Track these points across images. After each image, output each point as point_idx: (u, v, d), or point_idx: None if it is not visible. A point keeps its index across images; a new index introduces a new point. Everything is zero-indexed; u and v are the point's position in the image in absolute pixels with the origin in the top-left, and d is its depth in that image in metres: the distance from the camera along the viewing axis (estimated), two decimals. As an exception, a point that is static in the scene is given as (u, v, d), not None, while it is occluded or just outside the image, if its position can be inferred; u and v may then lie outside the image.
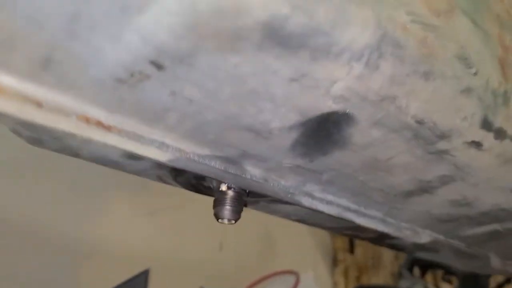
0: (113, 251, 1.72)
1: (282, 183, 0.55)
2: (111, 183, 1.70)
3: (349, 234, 0.87)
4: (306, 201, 0.58)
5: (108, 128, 0.42)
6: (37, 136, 0.45)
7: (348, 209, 0.63)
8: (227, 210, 0.57)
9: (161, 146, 0.46)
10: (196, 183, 0.59)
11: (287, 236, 2.12)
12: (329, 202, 0.60)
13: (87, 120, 0.41)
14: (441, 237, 0.74)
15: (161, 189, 1.83)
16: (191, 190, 0.63)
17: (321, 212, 0.59)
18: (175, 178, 0.59)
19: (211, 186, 0.59)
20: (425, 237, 0.73)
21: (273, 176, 0.54)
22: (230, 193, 0.57)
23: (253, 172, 0.53)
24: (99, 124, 0.41)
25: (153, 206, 1.82)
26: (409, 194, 0.61)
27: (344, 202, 0.62)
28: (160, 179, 0.61)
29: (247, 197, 0.59)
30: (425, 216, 0.68)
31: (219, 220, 0.58)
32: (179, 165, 0.48)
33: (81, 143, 0.45)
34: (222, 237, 2.06)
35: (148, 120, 0.42)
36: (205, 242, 1.95)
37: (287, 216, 0.76)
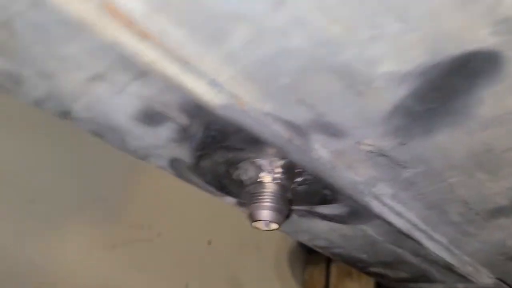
0: (67, 286, 1.48)
1: (351, 175, 0.40)
2: (71, 207, 1.49)
3: (375, 272, 0.71)
4: (376, 206, 0.43)
5: (143, 34, 0.26)
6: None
7: (416, 226, 0.48)
8: (268, 208, 0.41)
9: (213, 84, 0.30)
10: (225, 171, 0.43)
11: (255, 280, 1.93)
12: (398, 214, 0.45)
13: (114, 12, 0.25)
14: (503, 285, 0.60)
15: (127, 220, 1.63)
16: (211, 185, 0.46)
17: (368, 234, 0.44)
18: (197, 162, 0.42)
19: (243, 178, 0.43)
20: (485, 278, 0.58)
21: (342, 164, 0.39)
22: (273, 186, 0.41)
23: (321, 153, 0.37)
24: (130, 24, 0.26)
25: (116, 238, 1.61)
26: (496, 212, 0.46)
27: (412, 216, 0.47)
28: (173, 166, 0.45)
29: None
30: (496, 249, 0.53)
31: (254, 224, 0.42)
32: (230, 116, 0.33)
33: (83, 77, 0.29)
34: (188, 278, 1.84)
35: (206, 35, 0.27)
36: (171, 283, 1.73)
37: (314, 238, 0.60)
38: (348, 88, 0.31)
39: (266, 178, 0.41)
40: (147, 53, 0.27)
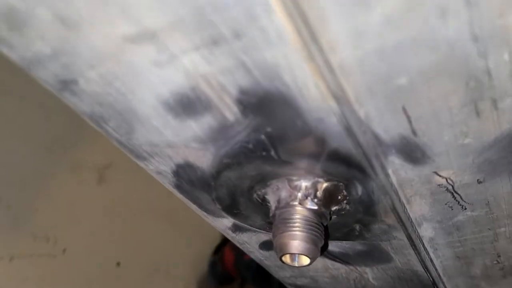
0: None
1: (407, 209, 0.34)
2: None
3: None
4: (420, 249, 0.36)
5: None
6: None
7: (439, 276, 0.42)
8: (304, 239, 0.33)
9: (327, 68, 0.23)
10: (248, 188, 0.35)
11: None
12: (431, 260, 0.40)
13: None
14: None
15: (31, 230, 1.43)
16: (219, 202, 0.38)
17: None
18: (218, 172, 0.34)
19: (270, 199, 0.35)
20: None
21: (403, 196, 0.33)
22: (310, 213, 0.34)
23: (391, 179, 0.31)
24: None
25: (16, 249, 1.40)
26: (521, 269, 0.43)
27: (438, 264, 0.41)
28: (177, 173, 0.36)
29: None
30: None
31: (284, 259, 0.34)
32: (316, 117, 0.25)
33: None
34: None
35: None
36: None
37: (298, 276, 0.53)
38: (469, 104, 0.25)
39: (303, 202, 0.33)
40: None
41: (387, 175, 0.30)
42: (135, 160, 0.36)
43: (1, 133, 1.30)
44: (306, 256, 0.33)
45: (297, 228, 0.33)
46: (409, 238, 0.37)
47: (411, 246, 0.38)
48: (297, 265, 0.34)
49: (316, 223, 0.33)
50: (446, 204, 0.34)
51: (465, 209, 0.34)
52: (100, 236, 1.60)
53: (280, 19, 0.20)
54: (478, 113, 0.26)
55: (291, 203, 0.33)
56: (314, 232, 0.33)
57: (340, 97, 0.24)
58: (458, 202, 0.33)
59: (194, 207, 0.41)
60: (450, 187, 0.32)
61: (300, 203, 0.33)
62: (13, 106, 1.37)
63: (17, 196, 1.36)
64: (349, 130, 0.26)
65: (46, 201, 1.44)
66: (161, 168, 0.36)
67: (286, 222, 0.33)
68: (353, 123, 0.26)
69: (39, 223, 1.41)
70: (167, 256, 1.89)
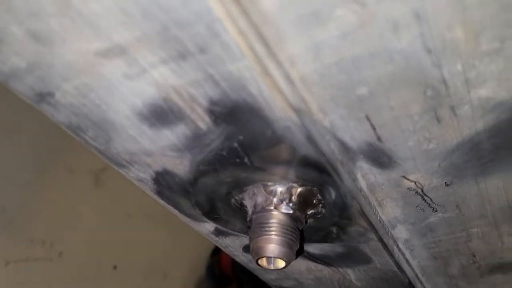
0: None
1: (379, 212, 0.35)
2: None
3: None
4: (395, 250, 0.37)
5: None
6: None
7: (417, 277, 0.43)
8: (279, 243, 0.34)
9: (287, 80, 0.24)
10: (225, 194, 0.36)
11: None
12: (407, 261, 0.41)
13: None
14: None
15: (26, 234, 1.44)
16: (199, 207, 0.39)
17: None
18: (195, 179, 0.35)
19: (247, 205, 0.36)
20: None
21: (374, 200, 0.34)
22: (285, 217, 0.35)
23: (360, 184, 0.32)
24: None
25: (11, 254, 1.41)
26: (496, 268, 0.44)
27: (415, 265, 0.42)
28: (157, 181, 0.37)
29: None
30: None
31: (260, 262, 0.35)
32: (284, 126, 0.26)
33: None
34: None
35: (302, 13, 0.21)
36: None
37: (282, 278, 0.54)
38: (429, 111, 0.26)
39: (279, 207, 0.34)
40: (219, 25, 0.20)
41: (355, 180, 0.31)
42: (115, 167, 0.37)
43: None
44: (281, 259, 0.34)
45: (273, 232, 0.34)
46: (381, 240, 0.38)
47: (384, 248, 0.39)
48: (272, 268, 0.35)
49: (291, 227, 0.34)
50: (417, 206, 0.35)
51: (436, 211, 0.35)
52: (97, 239, 1.61)
53: (234, 37, 0.21)
54: (438, 120, 0.27)
55: (266, 207, 0.34)
56: (289, 236, 0.34)
57: (300, 109, 0.25)
58: (429, 204, 0.34)
59: (176, 212, 0.42)
60: (419, 190, 0.33)
61: (275, 208, 0.34)
62: (7, 110, 1.37)
63: (12, 200, 1.37)
64: (310, 139, 0.27)
65: (41, 205, 1.45)
66: (141, 176, 0.37)
67: (262, 226, 0.34)
68: (316, 132, 0.27)
69: (35, 227, 1.42)
70: (164, 259, 1.90)
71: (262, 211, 0.35)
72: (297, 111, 0.25)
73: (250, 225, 0.35)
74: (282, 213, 0.34)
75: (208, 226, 0.43)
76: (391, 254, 0.38)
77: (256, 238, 0.34)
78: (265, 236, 0.34)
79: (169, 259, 1.91)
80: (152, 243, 1.81)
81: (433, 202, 0.34)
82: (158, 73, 0.26)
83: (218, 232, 0.45)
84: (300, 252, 0.41)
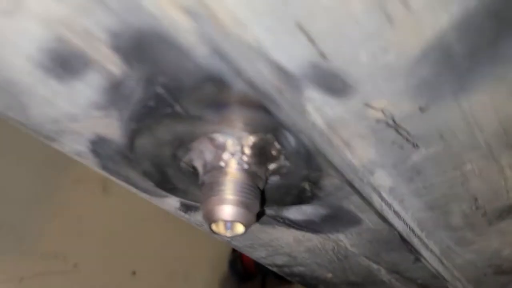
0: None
1: (347, 157, 0.29)
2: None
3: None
4: (377, 201, 0.32)
5: None
6: None
7: (413, 232, 0.38)
8: (233, 203, 0.29)
9: None
10: (171, 156, 0.31)
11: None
12: (396, 213, 0.35)
13: None
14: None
15: (38, 249, 1.41)
16: (149, 177, 0.34)
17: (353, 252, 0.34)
18: (131, 141, 0.30)
19: (196, 165, 0.31)
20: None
21: (338, 139, 0.28)
22: (239, 174, 0.30)
23: (315, 119, 0.26)
24: None
25: (25, 270, 1.39)
26: (505, 212, 0.38)
27: (408, 218, 0.37)
28: (95, 151, 0.32)
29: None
30: (489, 260, 0.45)
31: (214, 227, 0.30)
32: (197, 54, 0.21)
33: None
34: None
35: None
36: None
37: (273, 255, 0.49)
38: (375, 9, 0.21)
39: (231, 162, 0.29)
40: None
41: (305, 115, 0.26)
42: (47, 142, 0.32)
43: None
44: (238, 222, 0.29)
45: (226, 192, 0.29)
46: (357, 191, 0.32)
47: (362, 199, 0.33)
48: (230, 235, 0.30)
49: (248, 185, 0.29)
50: (393, 143, 0.29)
51: (417, 146, 0.30)
52: (112, 246, 1.58)
53: None
54: (390, 20, 0.22)
55: (217, 165, 0.29)
56: (246, 195, 0.29)
57: (202, 16, 0.20)
58: (406, 139, 0.29)
59: (133, 189, 0.38)
60: (390, 121, 0.27)
61: (227, 165, 0.29)
62: (10, 127, 1.35)
63: (21, 216, 1.34)
64: (234, 68, 0.22)
65: (51, 218, 1.43)
66: (77, 148, 0.32)
67: (213, 187, 0.29)
68: (238, 55, 0.22)
69: (46, 241, 1.40)
70: (184, 259, 1.86)
71: (212, 169, 0.30)
72: (199, 20, 0.20)
73: (202, 188, 0.30)
74: (236, 169, 0.29)
75: (172, 202, 0.39)
76: (373, 207, 0.33)
77: (207, 200, 0.29)
78: (217, 197, 0.29)
79: (189, 259, 1.88)
80: (170, 245, 1.78)
81: (411, 135, 0.29)
82: (35, 1, 0.21)
83: (185, 208, 0.40)
84: (261, 215, 0.35)
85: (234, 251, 2.02)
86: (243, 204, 0.29)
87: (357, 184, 0.31)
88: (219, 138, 0.29)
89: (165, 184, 0.34)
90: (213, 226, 0.29)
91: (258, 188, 0.30)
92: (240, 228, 0.30)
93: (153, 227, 1.69)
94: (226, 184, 0.29)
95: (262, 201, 0.32)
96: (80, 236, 1.50)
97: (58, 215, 1.45)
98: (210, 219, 0.29)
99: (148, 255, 1.71)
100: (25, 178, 1.38)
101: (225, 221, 0.29)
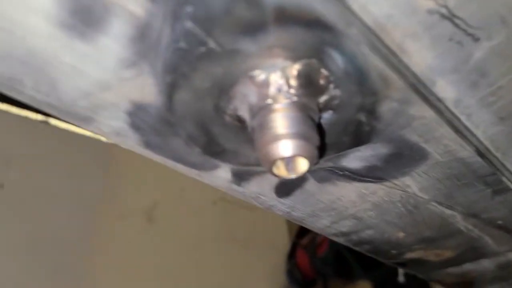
0: None
1: (405, 62, 0.27)
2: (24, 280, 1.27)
3: (413, 260, 0.57)
4: (450, 118, 0.29)
5: None
6: None
7: (488, 151, 0.34)
8: (291, 136, 0.26)
9: None
10: (213, 109, 0.29)
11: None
12: (470, 132, 0.32)
13: None
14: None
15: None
16: (195, 141, 0.32)
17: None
18: (169, 100, 0.28)
19: (241, 114, 0.29)
20: None
21: (393, 41, 0.26)
22: (290, 108, 0.27)
23: (367, 19, 0.24)
24: None
25: None
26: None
27: (481, 137, 0.34)
28: (134, 125, 0.30)
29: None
30: None
31: (277, 171, 0.27)
32: None
33: None
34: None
35: None
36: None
37: (337, 221, 0.45)
38: None
39: (278, 97, 0.27)
40: None
41: (351, 16, 0.23)
42: (84, 126, 0.31)
43: (42, 195, 1.30)
44: (300, 156, 0.26)
45: (279, 128, 0.26)
46: (426, 99, 0.29)
47: (438, 115, 0.30)
48: (294, 176, 0.27)
49: (301, 117, 0.27)
50: (450, 40, 0.26)
51: (478, 39, 0.27)
52: (165, 275, 1.56)
53: None
54: None
55: (263, 104, 0.27)
56: (301, 127, 0.26)
57: None
58: (465, 31, 0.26)
59: (181, 167, 0.36)
60: (444, 10, 0.25)
61: (274, 100, 0.27)
62: (53, 166, 1.36)
63: (68, 257, 1.34)
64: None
65: (98, 257, 1.42)
66: (116, 125, 0.31)
67: (263, 127, 0.27)
68: None
69: (96, 280, 1.39)
70: (240, 277, 1.83)
71: (260, 111, 0.27)
72: None
73: (253, 135, 0.28)
74: (285, 104, 0.27)
75: (223, 173, 0.36)
76: (450, 123, 0.30)
77: (261, 143, 0.27)
78: (270, 136, 0.26)
79: (245, 276, 1.84)
80: (223, 265, 1.75)
81: (468, 25, 0.26)
82: None
83: (238, 178, 0.37)
84: (323, 150, 0.33)
85: (288, 260, 1.98)
86: (301, 136, 0.26)
87: (423, 98, 0.28)
88: (261, 75, 0.27)
89: (213, 147, 0.32)
90: (274, 170, 0.27)
91: (313, 120, 0.28)
92: (303, 164, 0.27)
93: (203, 249, 1.67)
94: (277, 120, 0.27)
95: (322, 134, 0.29)
96: (131, 271, 1.48)
97: (105, 253, 1.44)
98: (269, 161, 0.26)
99: (202, 279, 1.68)
100: (69, 221, 1.38)
101: (285, 159, 0.26)
